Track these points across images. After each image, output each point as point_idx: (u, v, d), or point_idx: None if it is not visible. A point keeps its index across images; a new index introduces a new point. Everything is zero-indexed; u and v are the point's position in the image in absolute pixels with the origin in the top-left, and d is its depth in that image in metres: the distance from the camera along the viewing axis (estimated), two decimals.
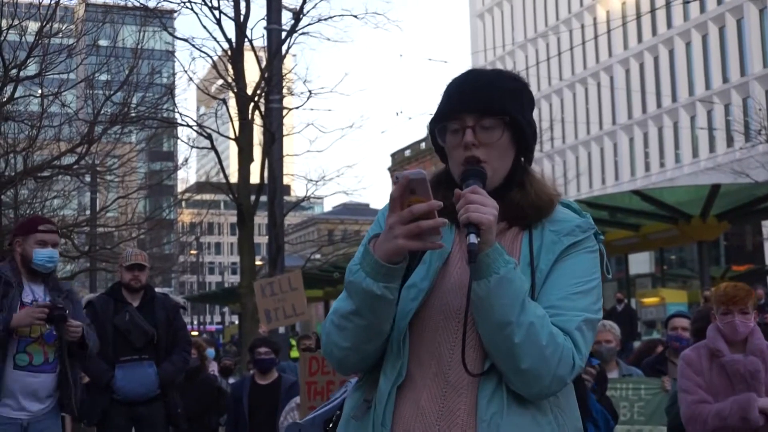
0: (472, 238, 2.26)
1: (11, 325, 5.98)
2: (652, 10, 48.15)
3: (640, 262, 37.49)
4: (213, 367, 14.05)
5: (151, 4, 18.18)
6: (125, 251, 8.57)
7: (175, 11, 28.91)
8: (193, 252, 68.64)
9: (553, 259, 2.52)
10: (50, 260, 6.27)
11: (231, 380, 12.81)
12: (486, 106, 2.54)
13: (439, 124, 2.60)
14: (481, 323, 2.39)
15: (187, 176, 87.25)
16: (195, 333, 76.20)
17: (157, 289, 8.40)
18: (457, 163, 2.55)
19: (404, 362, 2.47)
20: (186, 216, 59.21)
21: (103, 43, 22.56)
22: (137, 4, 18.68)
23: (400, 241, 2.29)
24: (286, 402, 8.29)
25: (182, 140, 25.81)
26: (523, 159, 2.64)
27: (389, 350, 2.49)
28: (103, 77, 21.00)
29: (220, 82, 19.02)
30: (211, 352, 14.97)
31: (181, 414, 7.70)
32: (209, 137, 18.11)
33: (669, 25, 50.96)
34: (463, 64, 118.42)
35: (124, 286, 7.72)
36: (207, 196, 43.66)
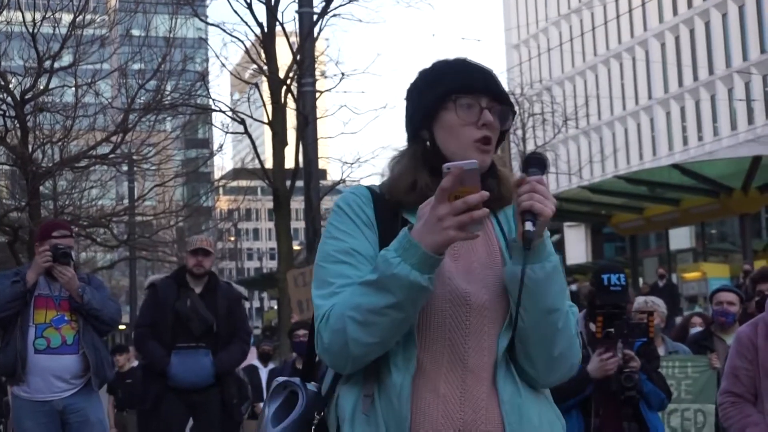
0: (530, 226, 2.31)
1: (27, 279, 6.59)
2: None
3: (681, 237, 37.16)
4: (253, 354, 14.05)
5: None
6: (192, 237, 8.62)
7: None
8: (231, 238, 68.95)
9: None
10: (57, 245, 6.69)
11: (271, 365, 12.79)
12: (501, 92, 2.58)
13: (455, 95, 2.53)
14: (529, 308, 2.41)
15: (222, 163, 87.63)
16: None
17: None
18: (469, 141, 2.52)
19: (411, 352, 2.43)
20: (223, 203, 59.40)
21: (135, 32, 22.61)
22: None
23: (451, 233, 2.26)
24: None
25: (216, 126, 25.77)
26: (499, 148, 2.68)
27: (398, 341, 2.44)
28: (136, 66, 21.03)
29: (254, 67, 18.95)
30: None
31: (237, 404, 7.62)
32: (243, 122, 18.07)
33: None
34: (496, 42, 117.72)
35: (188, 271, 7.64)
36: (243, 183, 43.80)
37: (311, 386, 2.62)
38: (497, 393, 2.43)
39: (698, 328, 8.90)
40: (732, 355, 5.00)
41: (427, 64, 2.69)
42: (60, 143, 19.36)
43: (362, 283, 2.37)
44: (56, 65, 17.96)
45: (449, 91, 2.53)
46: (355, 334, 2.36)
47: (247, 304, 9.94)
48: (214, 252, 7.75)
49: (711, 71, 49.92)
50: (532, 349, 2.45)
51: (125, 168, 25.04)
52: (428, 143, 2.58)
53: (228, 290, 7.83)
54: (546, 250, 2.40)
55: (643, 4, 48.98)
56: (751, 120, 47.22)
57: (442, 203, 2.25)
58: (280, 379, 2.68)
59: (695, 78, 51.14)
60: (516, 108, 2.67)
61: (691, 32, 51.25)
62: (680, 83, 52.44)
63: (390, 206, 2.56)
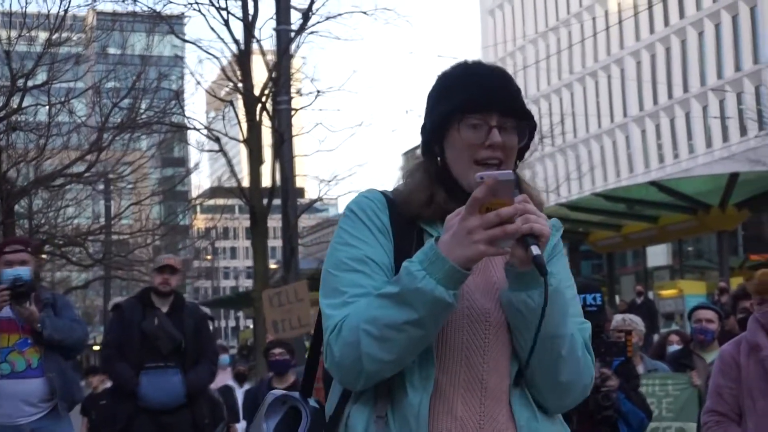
0: (536, 250, 2.13)
1: None
2: (664, 0, 47.83)
3: (658, 254, 37.24)
4: (228, 375, 13.91)
5: (159, 9, 17.95)
6: (158, 256, 8.55)
7: (185, 16, 28.87)
8: (208, 257, 68.64)
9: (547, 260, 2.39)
10: (16, 278, 6.49)
11: (247, 386, 12.67)
12: (514, 108, 2.40)
13: (461, 115, 2.37)
14: (527, 334, 2.26)
15: (199, 181, 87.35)
16: None
17: None
18: (470, 161, 2.37)
19: (429, 371, 2.28)
20: (200, 221, 59.22)
21: (111, 50, 22.52)
22: (147, 11, 18.56)
23: (481, 247, 2.12)
24: None
25: (191, 145, 25.69)
26: (518, 163, 2.52)
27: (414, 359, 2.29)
28: (111, 84, 20.92)
29: (230, 85, 18.88)
30: (225, 358, 14.78)
31: (208, 425, 7.50)
32: (217, 140, 17.98)
33: (681, 15, 50.65)
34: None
35: (153, 290, 7.56)
36: (221, 201, 43.61)
37: (312, 402, 2.48)
38: (514, 417, 2.31)
39: (676, 346, 8.86)
40: (715, 374, 4.94)
41: (447, 67, 2.53)
42: (34, 162, 19.23)
43: (381, 295, 2.21)
44: (30, 83, 17.83)
45: (454, 110, 2.38)
46: (369, 350, 2.20)
47: (212, 325, 9.84)
48: (181, 270, 7.65)
49: (686, 89, 50.23)
50: (536, 377, 2.32)
51: (101, 187, 24.91)
52: (439, 159, 2.45)
53: (194, 309, 7.78)
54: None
55: (620, 23, 49.27)
56: (726, 137, 47.50)
57: (473, 215, 2.12)
58: (277, 392, 2.53)
59: (670, 96, 51.45)
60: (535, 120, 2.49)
61: (667, 50, 51.58)
62: (655, 101, 52.74)
63: (406, 214, 2.41)
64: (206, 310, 8.57)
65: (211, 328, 8.37)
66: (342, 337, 2.24)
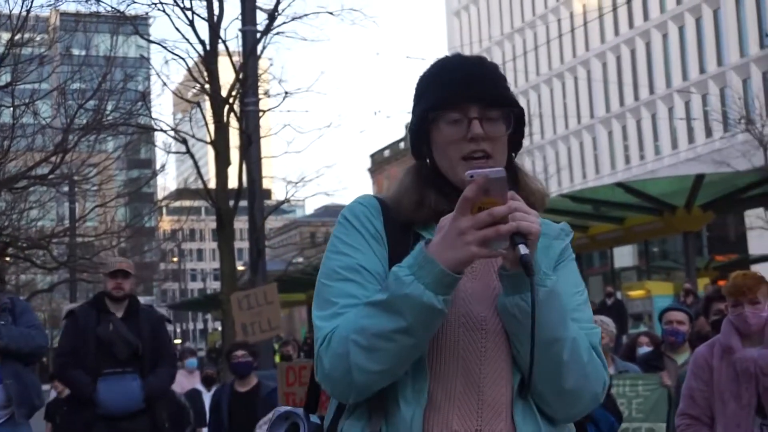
0: (524, 249, 2.01)
1: None
2: (628, 2, 48.13)
3: (623, 255, 37.45)
4: (196, 378, 13.78)
5: (123, 9, 17.76)
6: (109, 259, 8.39)
7: (150, 17, 28.67)
8: (174, 259, 68.33)
9: (552, 265, 2.29)
10: None
11: (214, 389, 12.55)
12: (494, 96, 2.29)
13: (435, 113, 2.29)
14: (525, 340, 2.12)
15: (165, 183, 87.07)
16: (178, 341, 76.03)
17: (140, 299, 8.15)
18: (457, 157, 2.27)
19: (422, 382, 2.18)
20: (166, 223, 58.87)
21: (76, 51, 22.29)
22: (111, 11, 18.36)
23: (473, 248, 2.02)
24: (263, 409, 8.01)
25: (158, 147, 25.50)
26: (514, 153, 2.42)
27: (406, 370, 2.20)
28: (76, 86, 20.71)
29: (197, 86, 18.74)
30: (192, 362, 14.64)
31: (168, 429, 7.39)
32: (184, 142, 17.85)
33: (646, 17, 50.99)
34: None
35: (107, 295, 7.40)
36: (187, 203, 43.39)
37: (314, 418, 2.40)
38: (516, 430, 2.18)
39: (645, 348, 8.83)
40: (689, 377, 4.92)
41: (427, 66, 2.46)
42: None
43: (369, 303, 2.12)
44: None
45: (431, 108, 2.30)
46: (358, 361, 2.10)
47: (170, 327, 9.70)
48: (133, 273, 7.52)
49: (652, 91, 50.57)
50: (540, 385, 2.18)
51: (66, 189, 24.67)
52: (429, 160, 2.37)
53: (150, 312, 7.62)
54: (538, 279, 2.10)
55: (585, 24, 49.52)
56: (691, 139, 47.85)
57: (464, 215, 2.01)
58: (282, 409, 2.45)
59: (636, 97, 51.78)
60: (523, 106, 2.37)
61: (632, 52, 51.92)
62: (621, 102, 53.06)
63: (399, 219, 2.31)
64: (163, 311, 8.46)
65: (169, 329, 8.24)
66: (331, 349, 2.16)
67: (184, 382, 12.67)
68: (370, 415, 2.21)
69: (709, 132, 45.51)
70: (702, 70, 47.24)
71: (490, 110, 2.27)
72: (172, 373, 7.66)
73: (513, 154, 2.40)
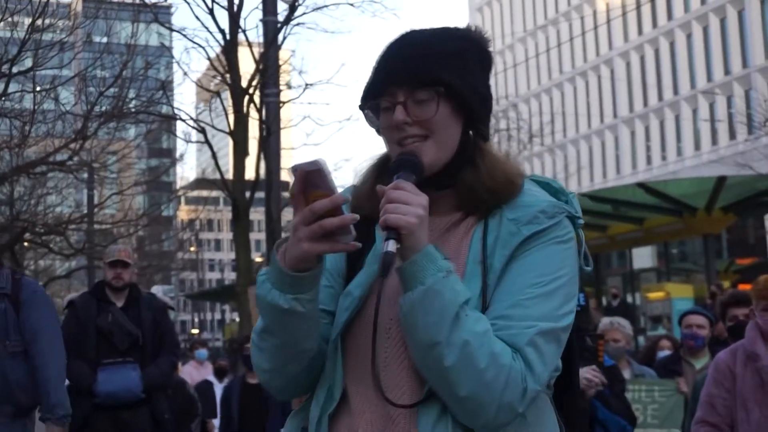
0: (389, 246, 1.93)
1: None
2: (652, 1, 47.79)
3: (642, 257, 37.20)
4: (207, 370, 13.71)
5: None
6: (109, 247, 8.23)
7: (171, 5, 28.69)
8: (192, 249, 68.49)
9: (508, 254, 2.09)
10: None
11: (227, 381, 12.49)
12: (416, 77, 2.13)
13: (369, 102, 2.19)
14: (409, 343, 2.03)
15: (183, 172, 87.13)
16: (195, 331, 76.16)
17: (155, 288, 8.05)
18: (392, 144, 2.17)
19: (336, 383, 2.12)
20: (185, 213, 59.00)
21: (97, 38, 22.29)
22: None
23: (304, 245, 1.96)
24: (274, 402, 7.93)
25: (177, 136, 25.48)
26: (472, 133, 2.21)
27: (324, 370, 2.16)
28: (97, 73, 20.70)
29: (219, 77, 18.72)
30: (203, 353, 14.56)
31: (169, 420, 7.30)
32: (203, 131, 17.80)
33: (670, 17, 50.63)
34: None
35: (107, 284, 7.29)
36: (205, 193, 43.49)
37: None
38: None
39: (667, 351, 8.68)
40: (709, 383, 4.75)
41: None
42: (17, 149, 19.02)
43: None
44: (14, 69, 17.60)
45: (367, 97, 2.19)
46: (255, 359, 2.16)
47: (172, 314, 9.61)
48: (133, 263, 7.40)
49: (676, 91, 50.22)
50: (435, 389, 2.02)
51: (84, 175, 24.71)
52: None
53: (152, 301, 7.47)
54: (419, 272, 1.97)
55: (608, 22, 49.22)
56: (714, 141, 47.50)
57: (296, 211, 1.97)
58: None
59: (660, 98, 51.43)
60: (457, 81, 2.13)
61: (656, 52, 51.58)
62: (645, 103, 52.73)
63: (358, 211, 2.16)
64: (166, 299, 8.31)
65: (171, 317, 8.14)
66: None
67: (194, 373, 12.61)
68: (306, 412, 2.20)
69: (733, 134, 45.15)
70: (727, 72, 46.87)
71: (417, 91, 2.13)
72: (174, 361, 7.59)
73: (470, 133, 2.21)
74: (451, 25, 2.29)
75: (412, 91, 2.12)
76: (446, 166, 2.15)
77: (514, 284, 2.07)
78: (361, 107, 2.22)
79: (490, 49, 2.29)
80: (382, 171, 2.22)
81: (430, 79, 2.12)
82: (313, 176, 1.94)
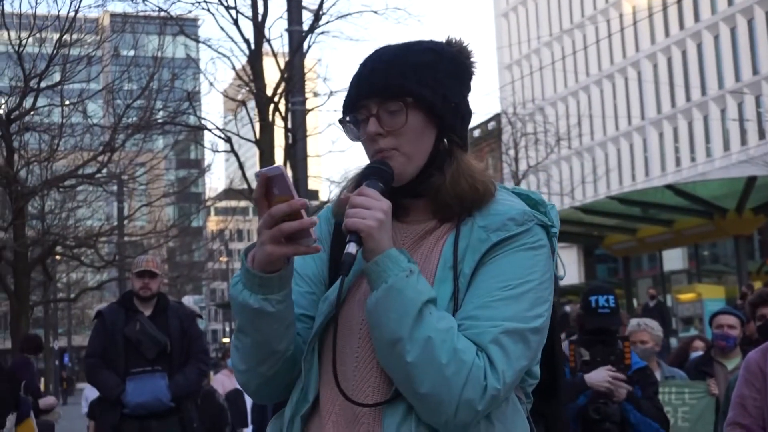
0: (352, 248, 2.04)
1: None
2: (678, 2, 47.55)
3: (673, 259, 36.99)
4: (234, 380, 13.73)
5: (167, 8, 17.86)
6: (137, 258, 8.28)
7: (198, 18, 28.86)
8: (222, 259, 68.78)
9: (476, 259, 2.14)
10: None
11: None
12: (384, 89, 2.20)
13: (347, 115, 2.27)
14: (374, 342, 2.09)
15: (211, 182, 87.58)
16: (227, 340, 76.40)
17: (185, 298, 8.08)
18: (370, 155, 2.25)
19: (310, 385, 2.18)
20: (214, 223, 59.21)
21: (124, 52, 22.47)
22: (155, 10, 18.49)
23: (267, 248, 2.05)
24: None
25: (204, 146, 25.62)
26: (446, 141, 2.26)
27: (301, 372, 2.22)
28: (125, 85, 20.87)
29: (245, 87, 18.81)
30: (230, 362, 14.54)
31: (198, 428, 7.32)
32: (229, 140, 17.87)
33: (696, 18, 50.34)
34: (488, 61, 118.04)
35: (135, 294, 7.35)
36: (234, 203, 43.60)
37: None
38: None
39: (700, 352, 8.59)
40: (740, 384, 4.69)
41: None
42: (46, 162, 19.19)
43: None
44: (43, 84, 17.78)
45: (344, 111, 2.28)
46: (232, 359, 2.26)
47: (203, 323, 9.64)
48: (160, 273, 7.45)
49: (704, 92, 49.89)
50: (399, 387, 2.06)
51: (113, 188, 24.88)
52: None
53: (179, 309, 7.52)
54: (382, 273, 2.03)
55: (635, 23, 49.01)
56: (743, 141, 47.15)
57: (259, 215, 2.06)
58: None
59: (688, 99, 51.11)
60: (427, 91, 2.21)
61: (683, 53, 51.29)
62: (673, 104, 52.42)
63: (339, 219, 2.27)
64: (194, 307, 8.33)
65: (201, 326, 8.16)
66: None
67: (226, 382, 12.61)
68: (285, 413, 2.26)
69: (762, 134, 44.82)
70: (755, 71, 46.54)
71: (388, 103, 2.20)
72: (203, 369, 7.59)
73: (444, 141, 2.25)
74: (426, 39, 2.37)
75: (383, 102, 2.20)
76: (420, 174, 2.22)
77: (483, 287, 2.11)
78: (341, 121, 2.29)
79: (472, 59, 2.34)
80: (362, 181, 2.27)
81: (398, 90, 2.19)
82: (275, 181, 2.01)
